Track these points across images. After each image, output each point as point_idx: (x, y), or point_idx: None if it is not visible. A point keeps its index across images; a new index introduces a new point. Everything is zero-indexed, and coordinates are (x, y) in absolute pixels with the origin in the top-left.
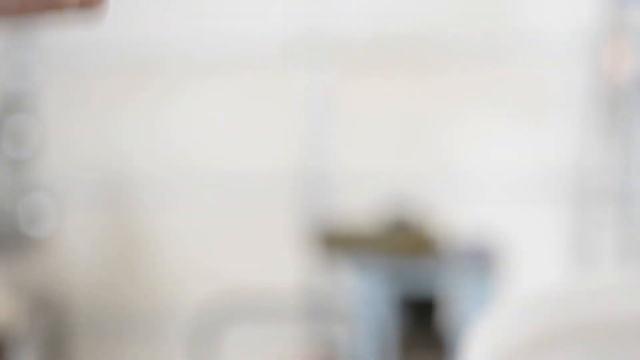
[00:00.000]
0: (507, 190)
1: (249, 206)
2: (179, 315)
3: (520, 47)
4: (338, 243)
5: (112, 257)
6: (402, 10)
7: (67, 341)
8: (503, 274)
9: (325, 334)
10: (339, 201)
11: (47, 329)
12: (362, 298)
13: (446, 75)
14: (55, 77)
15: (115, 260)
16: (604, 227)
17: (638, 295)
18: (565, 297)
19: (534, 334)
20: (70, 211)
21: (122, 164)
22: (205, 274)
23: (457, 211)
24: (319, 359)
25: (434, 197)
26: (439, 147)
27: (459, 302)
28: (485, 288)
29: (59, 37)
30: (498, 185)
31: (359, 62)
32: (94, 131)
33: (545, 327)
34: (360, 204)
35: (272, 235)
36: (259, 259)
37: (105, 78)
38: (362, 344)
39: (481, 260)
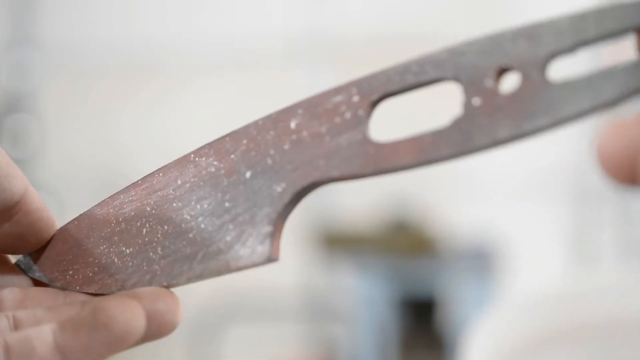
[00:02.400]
0: (507, 190)
1: None
2: None
3: None
4: (338, 243)
5: None
6: (402, 10)
7: None
8: (503, 273)
9: (325, 334)
10: (339, 201)
11: None
12: (362, 298)
13: None
14: (55, 77)
15: None
16: (603, 227)
17: (638, 295)
18: (565, 297)
19: (534, 334)
20: (70, 211)
21: (121, 164)
22: None
23: (457, 211)
24: (319, 359)
25: (434, 197)
26: None
27: (459, 302)
28: (485, 288)
29: (58, 37)
30: (498, 185)
31: (359, 62)
32: (93, 131)
33: (545, 327)
34: (360, 204)
35: None
36: None
37: (105, 78)
38: (362, 344)
39: (481, 260)
